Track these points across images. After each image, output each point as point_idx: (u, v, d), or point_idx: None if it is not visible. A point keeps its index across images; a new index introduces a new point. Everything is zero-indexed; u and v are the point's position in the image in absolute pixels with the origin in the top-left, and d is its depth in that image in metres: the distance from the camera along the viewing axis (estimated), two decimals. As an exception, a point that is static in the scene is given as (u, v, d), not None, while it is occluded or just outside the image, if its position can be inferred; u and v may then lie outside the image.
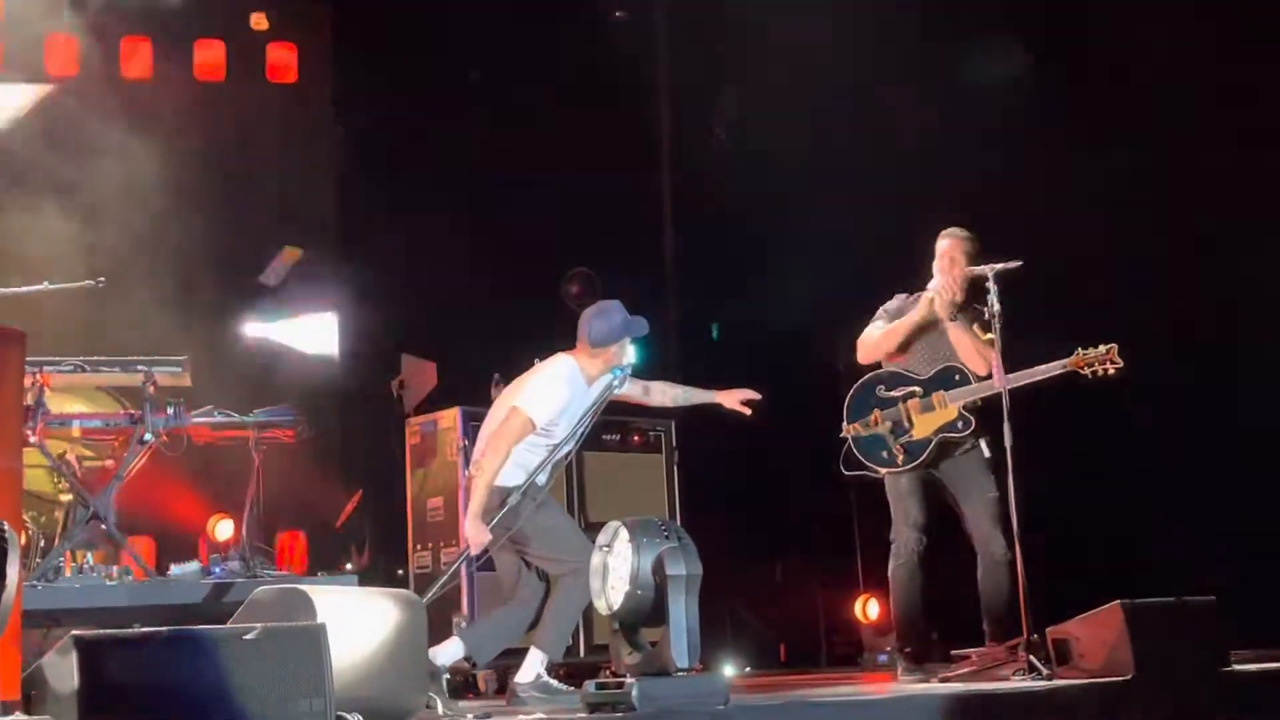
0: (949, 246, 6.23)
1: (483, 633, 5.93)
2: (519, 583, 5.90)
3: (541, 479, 5.85)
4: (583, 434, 5.86)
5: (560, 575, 5.80)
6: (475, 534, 5.69)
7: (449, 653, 5.69)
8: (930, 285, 6.22)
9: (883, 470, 6.19)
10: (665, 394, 6.33)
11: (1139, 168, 7.88)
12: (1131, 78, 8.02)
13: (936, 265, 6.24)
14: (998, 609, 5.92)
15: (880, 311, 6.38)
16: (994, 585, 5.96)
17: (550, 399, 5.82)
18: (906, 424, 6.13)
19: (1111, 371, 5.85)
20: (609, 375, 5.89)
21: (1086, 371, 5.88)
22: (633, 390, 6.12)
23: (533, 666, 5.71)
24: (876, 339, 6.32)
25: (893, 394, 6.19)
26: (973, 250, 6.17)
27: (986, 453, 6.04)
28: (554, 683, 5.74)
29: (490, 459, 5.74)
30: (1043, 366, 5.92)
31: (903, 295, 6.38)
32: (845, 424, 6.25)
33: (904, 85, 8.57)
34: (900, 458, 6.12)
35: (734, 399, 6.30)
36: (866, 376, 6.31)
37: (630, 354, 6.03)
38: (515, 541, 5.77)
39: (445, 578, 5.87)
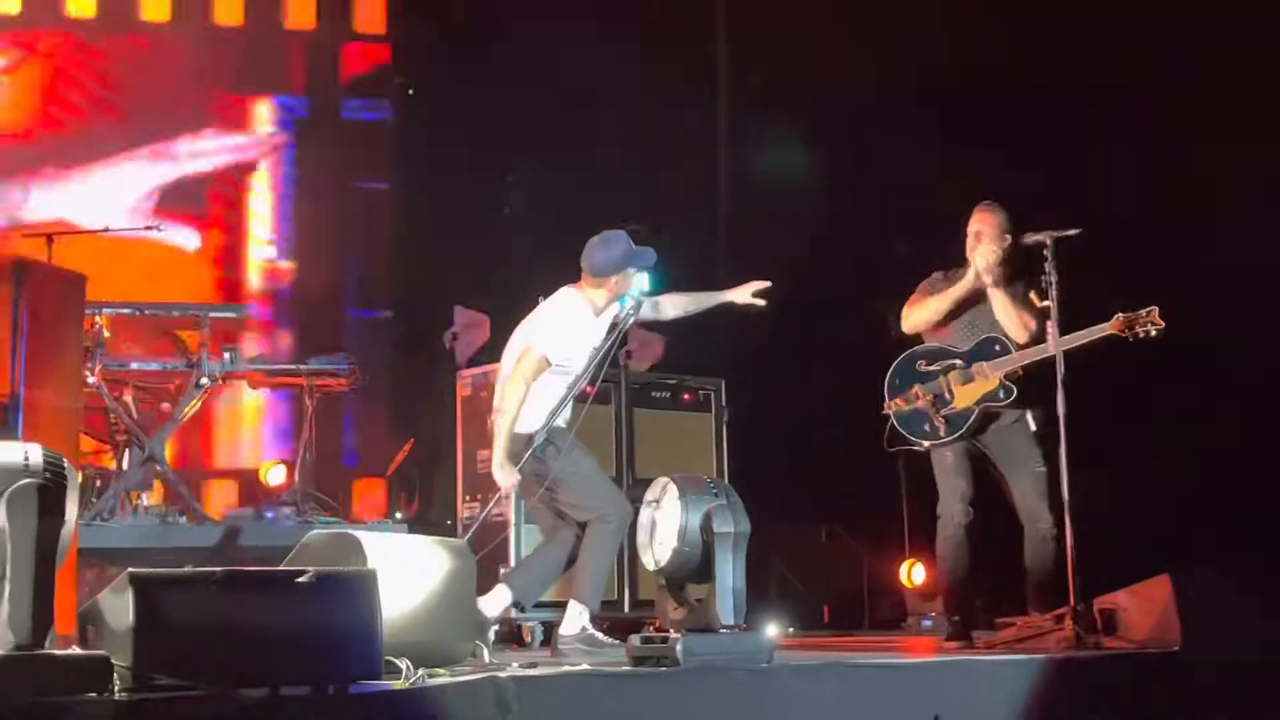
0: (973, 220, 6.20)
1: (526, 576, 5.95)
2: (556, 523, 5.92)
3: (563, 420, 5.82)
4: (603, 367, 5.82)
5: (587, 522, 5.79)
6: (504, 477, 5.70)
7: (496, 601, 5.73)
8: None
9: (926, 443, 6.17)
10: (676, 304, 6.23)
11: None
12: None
13: (968, 244, 6.22)
14: (1043, 583, 5.90)
15: (920, 288, 6.35)
16: (1040, 559, 5.95)
17: (562, 333, 5.79)
18: (947, 395, 6.11)
19: (1154, 333, 5.80)
20: (619, 305, 5.85)
21: (1128, 334, 5.83)
22: (645, 311, 6.04)
23: (575, 619, 5.74)
24: (919, 309, 6.29)
25: (933, 368, 6.17)
26: (1000, 220, 6.13)
27: (1033, 426, 6.00)
28: (598, 635, 5.77)
29: (509, 399, 5.71)
30: (1084, 330, 5.88)
31: (939, 273, 6.34)
32: (886, 400, 6.24)
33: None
34: (943, 429, 6.10)
35: (745, 294, 6.23)
36: (906, 353, 6.28)
37: (640, 282, 5.92)
38: (546, 489, 5.77)
39: (481, 517, 5.90)
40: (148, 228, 7.76)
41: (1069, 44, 8.03)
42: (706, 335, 8.94)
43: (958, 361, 6.13)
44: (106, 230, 7.52)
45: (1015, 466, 6.08)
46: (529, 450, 5.66)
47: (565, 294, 5.95)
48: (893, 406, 6.21)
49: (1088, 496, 5.66)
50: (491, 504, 6.01)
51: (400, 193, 9.70)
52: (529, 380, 5.72)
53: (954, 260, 6.29)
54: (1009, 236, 6.05)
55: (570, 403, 5.85)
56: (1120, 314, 5.84)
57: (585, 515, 5.81)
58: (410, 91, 9.59)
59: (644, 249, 5.93)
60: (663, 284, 6.04)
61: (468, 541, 5.32)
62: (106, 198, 8.96)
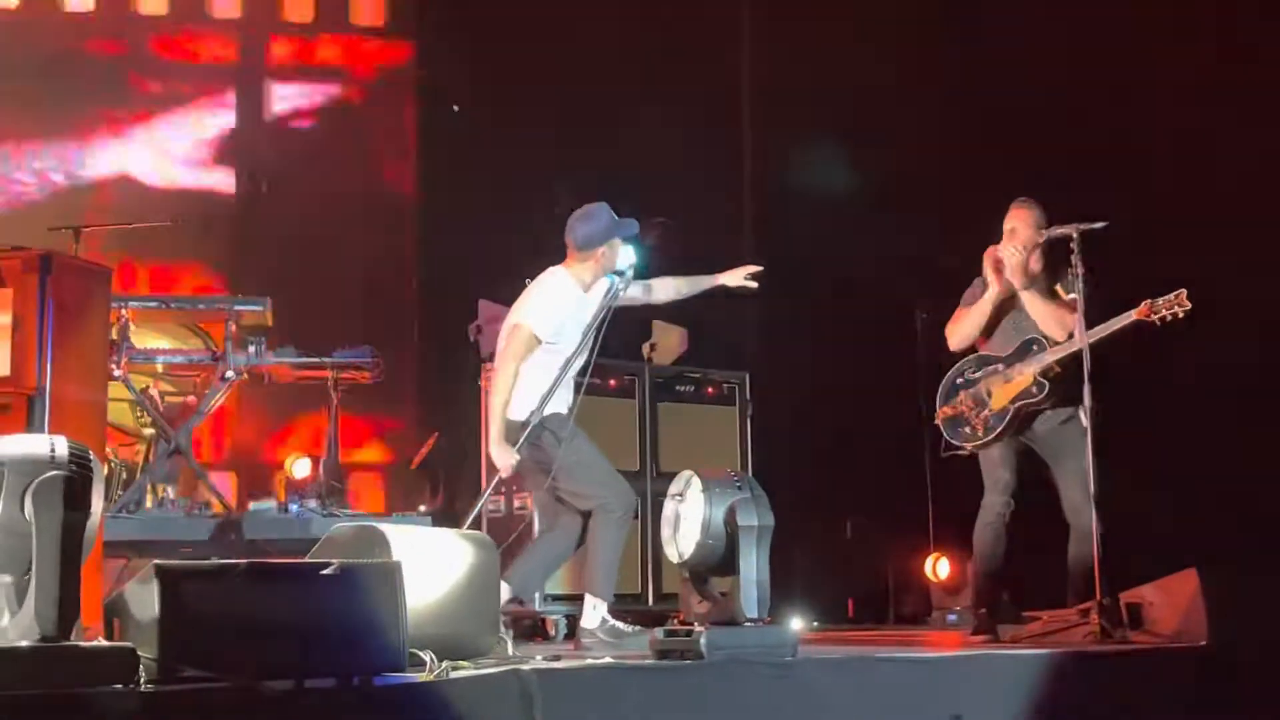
0: (1009, 216, 6.18)
1: (525, 569, 5.89)
2: (558, 512, 5.89)
3: (564, 407, 5.78)
4: (595, 345, 5.76)
5: (591, 511, 5.75)
6: (500, 457, 5.65)
7: None
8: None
9: (968, 445, 6.22)
10: (668, 287, 6.22)
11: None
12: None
13: (1003, 240, 6.20)
14: (1081, 579, 5.88)
15: (964, 299, 6.34)
16: (1083, 556, 5.92)
17: (550, 310, 5.75)
18: (986, 397, 6.13)
19: (1180, 315, 5.76)
20: (608, 281, 5.81)
21: (1155, 318, 5.79)
22: (636, 293, 6.01)
23: (593, 612, 5.72)
24: (959, 325, 6.30)
25: (977, 376, 6.20)
26: (1035, 215, 6.10)
27: (1085, 423, 5.94)
28: (620, 625, 5.76)
29: (500, 381, 5.69)
30: (1111, 320, 5.86)
31: (980, 280, 6.33)
32: (937, 410, 6.28)
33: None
34: (980, 430, 6.13)
35: (737, 277, 6.24)
36: (956, 365, 6.32)
37: (627, 256, 5.86)
38: (546, 476, 5.74)
39: (481, 500, 5.86)
40: (171, 222, 7.80)
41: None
42: (731, 329, 8.94)
43: (1000, 366, 6.14)
44: (131, 224, 7.56)
45: (1063, 463, 6.07)
46: (524, 435, 5.61)
47: (552, 272, 5.90)
48: (941, 415, 6.27)
49: (1119, 490, 5.65)
50: (490, 487, 5.90)
51: (425, 185, 9.72)
52: (519, 359, 5.69)
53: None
54: (1044, 232, 6.01)
55: (570, 387, 5.81)
56: (1147, 300, 5.81)
57: (588, 504, 5.77)
58: (455, 108, 9.59)
59: (627, 220, 5.88)
60: (649, 259, 5.97)
61: (469, 525, 5.33)
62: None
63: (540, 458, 5.75)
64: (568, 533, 5.86)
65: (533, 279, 5.98)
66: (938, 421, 6.29)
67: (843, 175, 9.23)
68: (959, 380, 6.27)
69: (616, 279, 5.80)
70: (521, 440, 5.61)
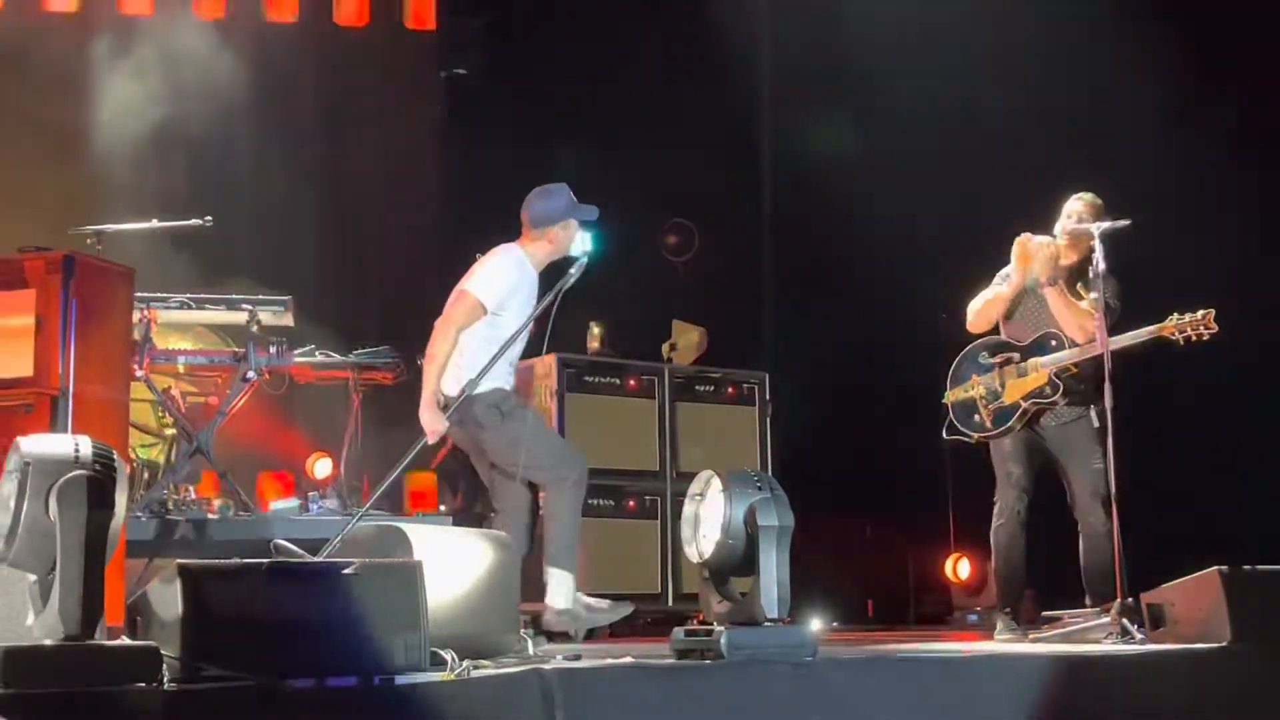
0: (1065, 208, 6.15)
1: (559, 533, 5.75)
2: (507, 491, 5.77)
3: (507, 384, 5.70)
4: (545, 331, 5.67)
5: (545, 486, 5.67)
6: (430, 422, 5.55)
7: None
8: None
9: (975, 436, 6.16)
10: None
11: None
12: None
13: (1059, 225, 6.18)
14: (1098, 580, 5.86)
15: (997, 277, 6.29)
16: (1094, 556, 5.91)
17: (497, 279, 5.69)
18: (999, 389, 6.09)
19: (1206, 336, 5.73)
20: (571, 272, 5.63)
21: (1179, 337, 5.76)
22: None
23: (559, 588, 5.63)
24: (980, 305, 6.26)
25: (993, 360, 6.15)
26: (1088, 211, 6.04)
27: (1096, 422, 5.92)
28: (589, 599, 5.71)
29: (439, 346, 5.61)
30: (1134, 331, 5.83)
31: (1009, 267, 6.30)
32: (948, 390, 6.23)
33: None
34: (989, 422, 6.09)
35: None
36: (972, 344, 6.27)
37: (583, 242, 5.82)
38: (485, 452, 5.64)
39: (397, 471, 5.63)
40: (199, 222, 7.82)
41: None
42: (751, 329, 8.94)
43: (1016, 355, 6.10)
44: (154, 224, 7.58)
45: (1073, 462, 6.04)
46: (454, 406, 5.50)
47: (505, 247, 5.84)
48: (951, 397, 6.20)
49: (1139, 490, 5.63)
50: (413, 449, 5.58)
51: (444, 182, 9.73)
52: (460, 326, 5.62)
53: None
54: (1074, 227, 5.98)
55: (511, 367, 5.71)
56: (1175, 315, 5.78)
57: (541, 476, 5.68)
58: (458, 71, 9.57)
59: (588, 206, 5.81)
60: (605, 248, 5.89)
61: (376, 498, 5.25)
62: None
63: (481, 435, 5.65)
64: (517, 513, 5.75)
65: (484, 254, 5.89)
66: (946, 402, 6.22)
67: (862, 166, 9.21)
68: (973, 363, 6.21)
69: (572, 266, 5.64)
70: (451, 411, 5.50)
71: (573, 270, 5.62)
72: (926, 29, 8.59)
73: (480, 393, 5.56)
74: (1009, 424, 6.05)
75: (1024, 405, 6.04)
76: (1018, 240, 6.13)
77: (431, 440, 5.57)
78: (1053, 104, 8.40)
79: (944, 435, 6.25)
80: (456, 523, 7.29)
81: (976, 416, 6.12)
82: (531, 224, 5.78)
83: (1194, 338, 5.74)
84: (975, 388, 6.13)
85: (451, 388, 5.63)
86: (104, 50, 8.50)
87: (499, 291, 5.66)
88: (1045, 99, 8.37)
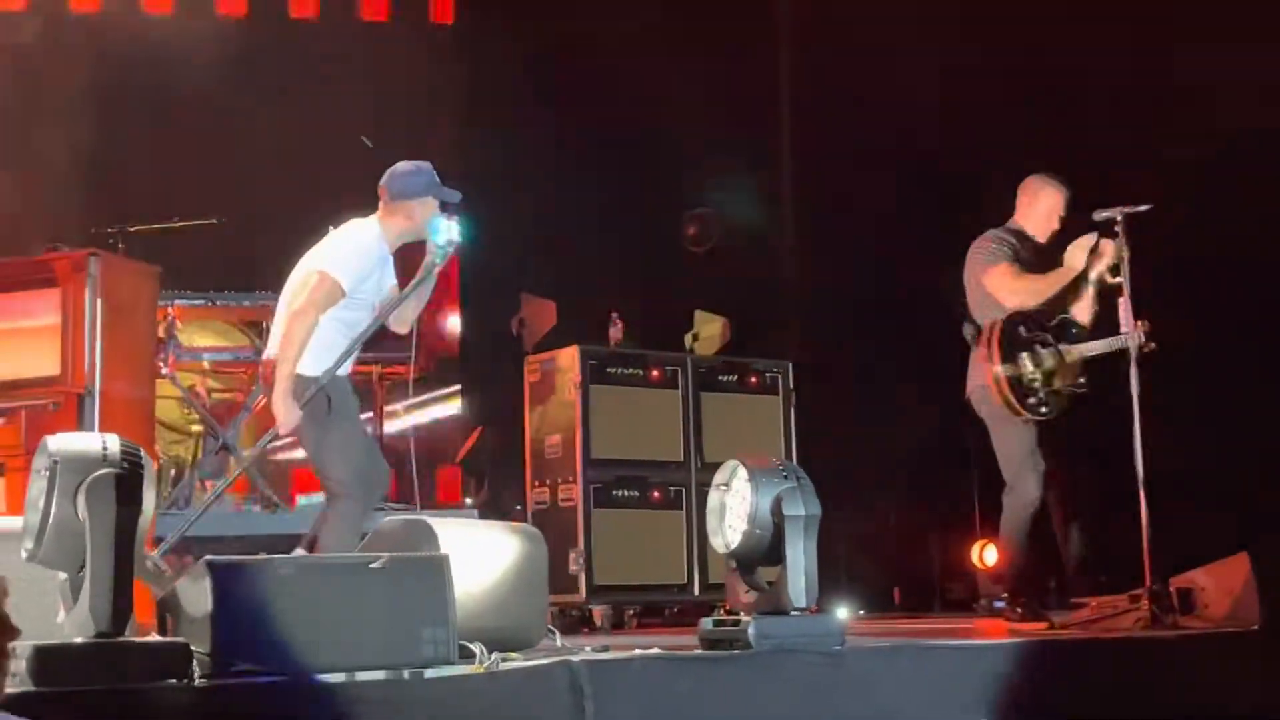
0: (1049, 198, 6.20)
1: (326, 547, 5.25)
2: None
3: (344, 371, 5.34)
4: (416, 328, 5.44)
5: (325, 492, 5.35)
6: (286, 413, 5.16)
7: None
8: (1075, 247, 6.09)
9: (1029, 415, 6.05)
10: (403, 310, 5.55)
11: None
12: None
13: (1042, 213, 6.19)
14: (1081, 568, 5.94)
15: (1000, 251, 6.22)
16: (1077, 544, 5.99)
17: (356, 260, 5.32)
18: (1051, 372, 6.04)
19: (1147, 349, 5.69)
20: (435, 259, 5.30)
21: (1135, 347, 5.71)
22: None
23: None
24: (1022, 291, 6.14)
25: (1032, 337, 6.08)
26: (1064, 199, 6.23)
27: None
28: None
29: (298, 331, 5.18)
30: (1103, 341, 5.92)
31: (998, 232, 6.26)
32: (999, 364, 6.05)
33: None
34: (1046, 406, 6.03)
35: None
36: (1008, 316, 6.14)
37: (450, 231, 5.31)
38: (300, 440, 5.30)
39: (246, 459, 5.57)
40: (215, 220, 7.85)
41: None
42: (774, 318, 8.92)
43: (1049, 337, 6.07)
44: (176, 222, 7.62)
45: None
46: (310, 392, 5.17)
47: (360, 223, 5.47)
48: (1005, 371, 6.04)
49: (1167, 473, 5.61)
50: (264, 440, 5.43)
51: (465, 180, 9.74)
52: (320, 310, 5.21)
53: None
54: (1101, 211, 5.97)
55: (353, 349, 5.32)
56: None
57: (326, 482, 5.33)
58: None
59: (451, 189, 5.49)
60: (475, 237, 5.60)
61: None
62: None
63: (313, 422, 5.26)
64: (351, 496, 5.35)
65: (336, 227, 5.57)
66: (998, 372, 6.02)
67: (880, 157, 9.18)
68: (1016, 339, 6.09)
69: (437, 254, 5.29)
70: (308, 398, 5.18)
71: (437, 260, 5.31)
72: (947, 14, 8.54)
73: (310, 375, 5.21)
74: (1064, 408, 6.03)
75: (1067, 393, 6.03)
76: (1100, 239, 6.03)
77: (283, 432, 5.22)
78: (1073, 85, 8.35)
79: (1010, 407, 6.06)
80: (482, 516, 7.30)
81: (1033, 398, 6.04)
82: (391, 197, 5.45)
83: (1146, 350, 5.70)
84: (1030, 368, 6.06)
85: (310, 371, 5.24)
86: (125, 49, 8.53)
87: (358, 273, 5.31)
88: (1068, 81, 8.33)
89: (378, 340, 7.53)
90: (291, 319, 5.24)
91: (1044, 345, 6.06)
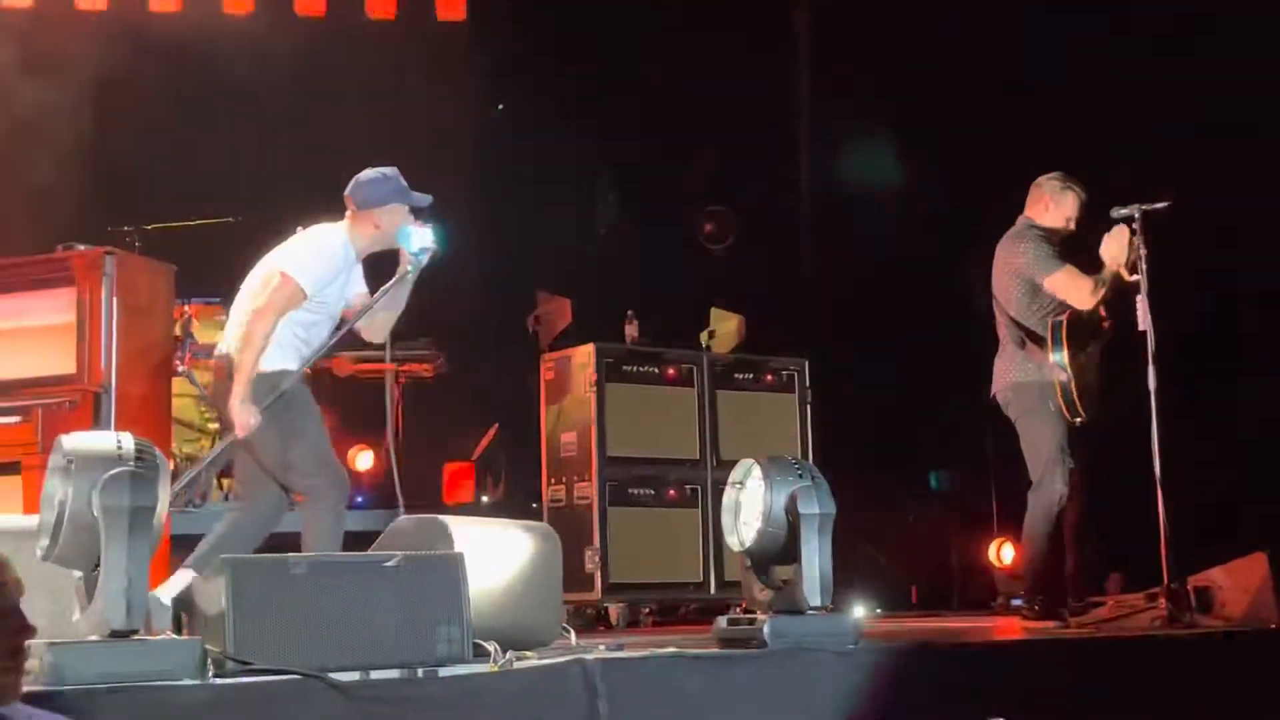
0: (1063, 196, 6.18)
1: (208, 545, 5.18)
2: (259, 483, 5.27)
3: (300, 373, 5.23)
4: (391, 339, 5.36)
5: (303, 496, 5.20)
6: (245, 417, 5.00)
7: (176, 586, 4.92)
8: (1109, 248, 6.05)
9: (1084, 418, 6.03)
10: (374, 317, 5.49)
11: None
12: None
13: (1061, 217, 6.17)
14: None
15: (1054, 251, 6.13)
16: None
17: (320, 265, 5.19)
18: (1084, 372, 6.02)
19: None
20: (407, 267, 5.26)
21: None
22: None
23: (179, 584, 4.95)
24: (1094, 291, 6.01)
25: (1075, 339, 6.05)
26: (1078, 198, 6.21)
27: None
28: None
29: (258, 332, 5.05)
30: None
31: (1034, 232, 6.21)
32: (1066, 365, 6.00)
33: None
34: (1090, 410, 6.01)
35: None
36: (1064, 316, 6.07)
37: (423, 238, 5.26)
38: (249, 444, 5.12)
39: (205, 462, 5.41)
40: (235, 219, 7.87)
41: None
42: (790, 315, 8.91)
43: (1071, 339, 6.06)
44: (192, 220, 7.65)
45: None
46: (273, 393, 5.06)
47: (327, 228, 5.35)
48: (1071, 372, 6.00)
49: (1185, 473, 5.60)
50: (222, 444, 5.27)
51: (480, 179, 9.75)
52: (280, 313, 5.11)
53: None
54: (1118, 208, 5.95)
55: (310, 354, 5.24)
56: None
57: (298, 483, 5.20)
58: (499, 107, 9.58)
59: (421, 194, 5.37)
60: (448, 244, 5.51)
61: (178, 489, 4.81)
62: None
63: (276, 424, 5.13)
64: (266, 506, 5.28)
65: (308, 224, 5.46)
66: (1066, 372, 5.98)
67: (899, 158, 9.17)
68: (1064, 340, 6.03)
69: (411, 262, 5.26)
70: (270, 401, 5.04)
71: (410, 268, 5.27)
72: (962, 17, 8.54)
73: (268, 371, 5.12)
74: (1096, 409, 6.02)
75: (1093, 391, 6.02)
76: (1129, 235, 6.00)
77: (241, 434, 5.04)
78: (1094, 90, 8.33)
79: (1070, 416, 6.02)
80: (498, 513, 7.29)
81: (1079, 402, 6.00)
82: (358, 205, 5.34)
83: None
84: (1078, 370, 6.00)
85: (270, 367, 5.15)
86: (134, 47, 8.55)
87: (322, 279, 5.20)
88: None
89: (395, 340, 7.59)
90: (252, 318, 5.13)
91: (1085, 348, 6.05)
